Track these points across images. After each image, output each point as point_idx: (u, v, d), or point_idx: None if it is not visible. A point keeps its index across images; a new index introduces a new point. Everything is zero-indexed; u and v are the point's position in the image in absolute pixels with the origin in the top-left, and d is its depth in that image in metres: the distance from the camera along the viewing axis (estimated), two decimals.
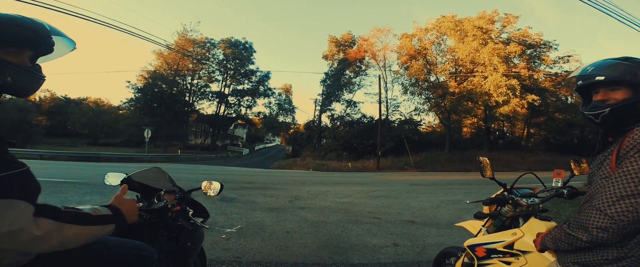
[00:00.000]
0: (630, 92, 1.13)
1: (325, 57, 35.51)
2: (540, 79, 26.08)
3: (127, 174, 1.79)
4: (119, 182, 1.77)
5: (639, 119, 1.11)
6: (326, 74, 35.54)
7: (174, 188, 1.74)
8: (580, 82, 1.23)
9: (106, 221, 1.03)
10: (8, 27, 0.95)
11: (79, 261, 1.05)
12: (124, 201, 1.15)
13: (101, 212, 1.04)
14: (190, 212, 1.68)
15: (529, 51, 25.70)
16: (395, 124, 32.49)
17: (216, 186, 1.93)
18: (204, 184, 1.95)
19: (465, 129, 33.47)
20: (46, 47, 1.05)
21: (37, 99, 47.16)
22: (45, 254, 0.94)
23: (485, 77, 24.30)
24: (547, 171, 8.35)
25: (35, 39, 1.00)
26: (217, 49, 39.87)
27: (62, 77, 40.83)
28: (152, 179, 1.76)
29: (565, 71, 24.74)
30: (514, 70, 24.55)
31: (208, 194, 1.93)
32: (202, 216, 1.86)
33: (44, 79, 1.06)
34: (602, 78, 1.15)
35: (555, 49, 25.81)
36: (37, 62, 1.06)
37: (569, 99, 26.09)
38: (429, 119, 34.42)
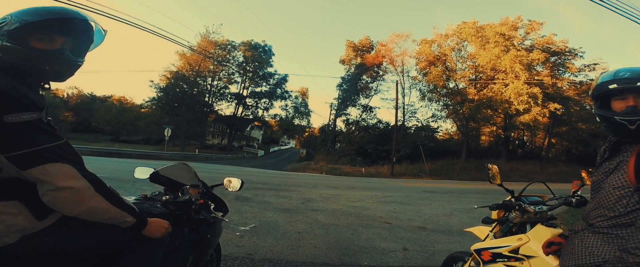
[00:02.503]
0: None
1: (343, 62, 35.67)
2: (564, 87, 25.29)
3: (155, 169, 1.93)
4: (148, 176, 1.92)
5: None
6: (343, 78, 35.65)
7: (198, 183, 1.87)
8: (616, 85, 1.17)
9: (130, 212, 1.15)
10: (32, 15, 1.02)
11: (98, 234, 1.16)
12: (156, 219, 1.29)
13: (133, 207, 1.18)
14: (212, 206, 1.80)
15: (553, 58, 24.97)
16: (412, 131, 32.18)
17: (236, 183, 2.07)
18: (226, 180, 2.10)
19: (483, 137, 32.74)
20: (79, 33, 1.12)
21: (65, 95, 49.41)
22: (66, 222, 1.07)
23: (506, 85, 23.78)
24: (567, 183, 8.10)
25: (63, 23, 1.07)
26: (238, 51, 40.76)
27: (89, 75, 43.22)
28: (178, 175, 1.90)
29: (590, 79, 23.88)
30: (536, 78, 23.90)
31: (229, 189, 2.08)
32: (222, 210, 1.99)
33: (79, 63, 1.13)
34: None
35: (581, 56, 24.96)
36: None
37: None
38: (446, 126, 33.88)
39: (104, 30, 1.20)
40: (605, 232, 1.17)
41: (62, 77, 1.12)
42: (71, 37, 1.10)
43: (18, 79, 1.00)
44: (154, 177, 1.88)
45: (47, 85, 1.11)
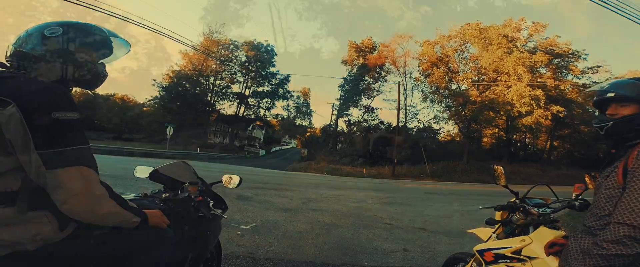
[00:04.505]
0: (639, 109, 1.18)
1: (345, 62, 35.62)
2: (566, 90, 25.18)
3: (154, 168, 1.93)
4: (148, 175, 1.92)
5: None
6: (345, 79, 35.60)
7: (197, 180, 1.87)
8: (596, 97, 1.34)
9: (136, 213, 1.20)
10: (86, 32, 1.18)
11: (112, 238, 1.20)
12: (151, 212, 1.34)
13: (136, 207, 1.23)
14: (211, 203, 1.80)
15: (556, 61, 24.88)
16: (413, 132, 32.14)
17: (235, 180, 2.07)
18: (225, 178, 2.10)
19: (485, 139, 32.65)
20: (108, 50, 1.28)
21: None
22: (80, 232, 1.11)
23: (509, 87, 23.71)
24: (569, 186, 8.07)
25: (102, 42, 1.24)
26: (240, 51, 40.75)
27: None
28: (177, 173, 1.89)
29: (593, 82, 23.78)
30: (539, 80, 23.81)
31: (228, 186, 2.08)
32: (222, 207, 1.99)
33: (107, 76, 1.29)
34: (612, 95, 1.24)
35: (585, 59, 24.88)
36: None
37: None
38: (448, 128, 33.80)
39: (128, 49, 1.37)
40: (597, 234, 1.19)
41: (93, 86, 1.29)
42: (103, 53, 1.26)
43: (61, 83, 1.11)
44: (154, 176, 1.87)
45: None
